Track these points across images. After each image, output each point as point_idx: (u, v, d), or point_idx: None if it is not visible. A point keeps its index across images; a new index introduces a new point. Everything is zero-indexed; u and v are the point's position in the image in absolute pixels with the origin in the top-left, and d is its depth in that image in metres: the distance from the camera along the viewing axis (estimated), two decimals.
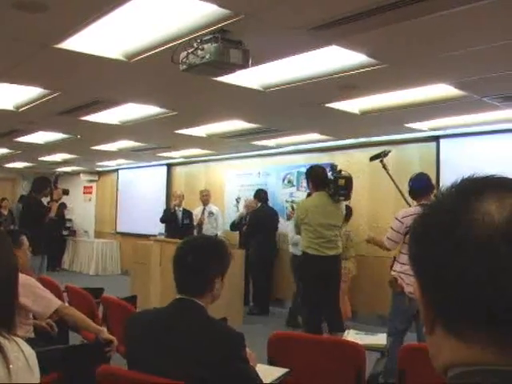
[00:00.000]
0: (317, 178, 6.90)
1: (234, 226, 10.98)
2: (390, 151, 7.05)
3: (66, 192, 9.12)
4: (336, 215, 6.83)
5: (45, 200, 8.86)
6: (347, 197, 6.91)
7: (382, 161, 6.82)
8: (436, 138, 8.72)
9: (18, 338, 1.81)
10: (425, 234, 0.91)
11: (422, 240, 0.91)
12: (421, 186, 5.70)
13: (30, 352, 1.78)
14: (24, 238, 4.85)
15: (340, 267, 6.97)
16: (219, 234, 10.89)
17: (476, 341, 0.83)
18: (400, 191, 6.66)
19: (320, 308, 6.73)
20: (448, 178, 8.45)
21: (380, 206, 9.11)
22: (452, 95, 6.09)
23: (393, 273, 5.58)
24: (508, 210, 0.83)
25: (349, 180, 6.79)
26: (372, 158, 7.01)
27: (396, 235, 5.56)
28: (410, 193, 5.86)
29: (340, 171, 6.81)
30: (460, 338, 0.85)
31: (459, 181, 0.92)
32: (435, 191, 5.52)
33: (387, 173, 6.83)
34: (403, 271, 5.35)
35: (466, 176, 0.93)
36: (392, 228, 5.62)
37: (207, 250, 2.78)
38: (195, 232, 11.05)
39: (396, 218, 5.62)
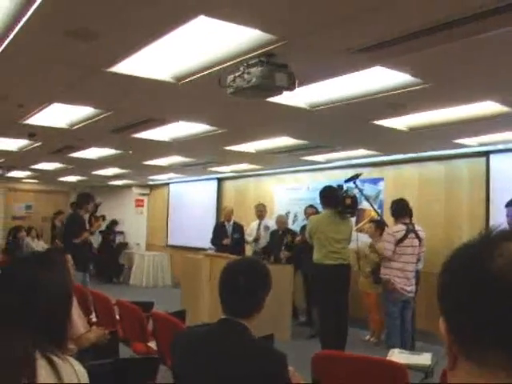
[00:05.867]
0: (327, 197, 7.73)
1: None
2: (361, 173, 8.50)
3: (103, 218, 9.31)
4: (343, 230, 7.63)
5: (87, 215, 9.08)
6: (353, 214, 7.88)
7: (354, 182, 8.07)
8: (486, 154, 8.62)
9: (70, 357, 1.91)
10: (449, 270, 0.97)
11: (446, 275, 0.97)
12: (400, 209, 7.35)
13: (81, 371, 1.88)
14: (68, 256, 5.04)
15: (348, 277, 7.68)
16: None
17: (500, 369, 0.86)
18: (376, 212, 8.89)
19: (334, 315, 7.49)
20: (498, 192, 8.37)
21: (428, 218, 9.05)
22: (499, 112, 6.05)
23: (384, 276, 7.20)
24: None
25: (354, 199, 7.65)
26: (346, 181, 8.17)
27: (391, 246, 7.10)
28: (393, 214, 7.46)
29: (347, 191, 7.71)
30: (483, 368, 0.88)
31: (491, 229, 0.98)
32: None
33: (360, 192, 8.45)
34: (394, 274, 7.09)
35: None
36: (388, 241, 7.16)
37: (256, 272, 2.83)
38: (251, 246, 11.13)
39: (389, 233, 7.26)
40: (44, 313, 1.87)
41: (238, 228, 11.48)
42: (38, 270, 1.96)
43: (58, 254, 4.38)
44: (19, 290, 1.89)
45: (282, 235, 10.24)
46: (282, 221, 10.52)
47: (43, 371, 1.74)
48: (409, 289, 7.16)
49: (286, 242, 10.03)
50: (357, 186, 8.05)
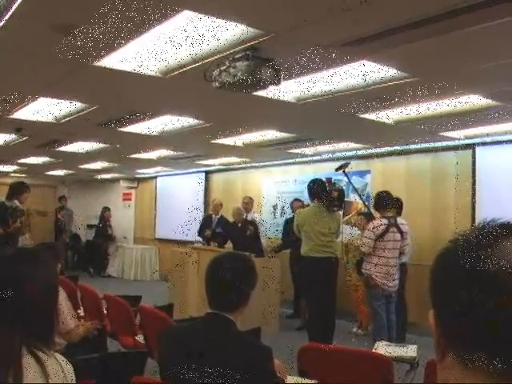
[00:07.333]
0: (314, 190, 7.71)
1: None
2: (349, 162, 8.31)
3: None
4: (330, 224, 7.63)
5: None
6: (340, 207, 7.91)
7: (344, 171, 7.95)
8: (472, 146, 8.69)
9: (57, 354, 1.92)
10: (443, 264, 0.95)
11: (439, 269, 0.95)
12: (381, 201, 7.25)
13: (68, 368, 1.89)
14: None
15: (335, 269, 7.71)
16: (262, 240, 10.80)
17: (483, 368, 0.85)
18: (365, 204, 8.53)
19: (321, 308, 7.51)
20: (484, 185, 8.44)
21: (415, 211, 9.10)
22: (485, 105, 6.09)
23: (365, 271, 7.13)
24: None
25: (341, 192, 7.72)
26: (337, 169, 8.05)
27: (370, 242, 7.01)
28: (375, 206, 7.45)
29: (334, 184, 7.76)
30: (467, 366, 0.87)
31: (487, 222, 0.94)
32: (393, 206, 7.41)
33: (350, 183, 8.47)
34: (375, 270, 7.03)
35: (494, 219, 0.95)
36: (366, 236, 7.08)
37: (241, 267, 2.84)
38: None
39: (368, 229, 7.12)
40: (29, 309, 1.88)
41: (222, 223, 11.39)
42: (22, 266, 1.96)
43: (44, 250, 4.36)
44: (4, 286, 1.89)
45: (242, 227, 10.20)
46: (237, 213, 10.42)
47: (29, 368, 1.75)
48: (391, 284, 7.12)
49: (250, 234, 10.03)
50: (346, 175, 7.99)
